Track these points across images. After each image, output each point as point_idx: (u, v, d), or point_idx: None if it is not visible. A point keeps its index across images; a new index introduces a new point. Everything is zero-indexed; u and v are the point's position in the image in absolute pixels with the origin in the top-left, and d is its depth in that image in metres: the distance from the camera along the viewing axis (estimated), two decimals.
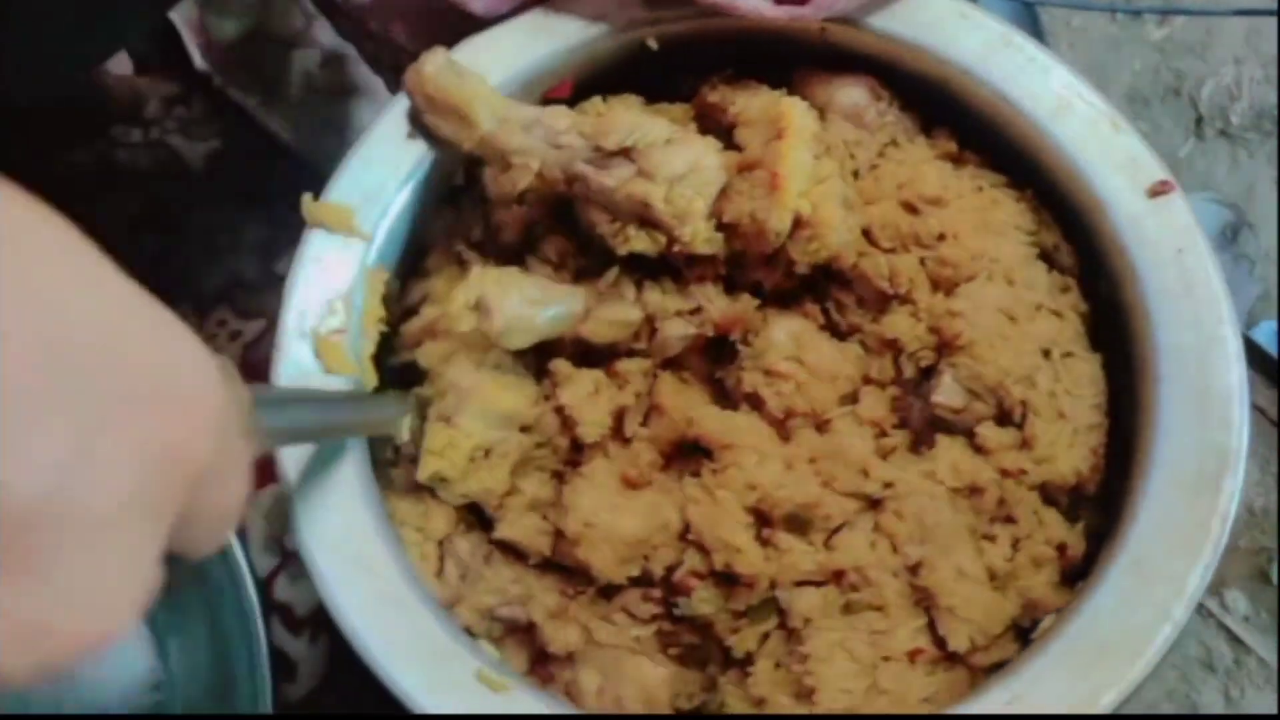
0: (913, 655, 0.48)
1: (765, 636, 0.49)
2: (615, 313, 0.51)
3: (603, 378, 0.52)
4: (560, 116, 0.51)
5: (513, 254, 0.55)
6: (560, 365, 0.52)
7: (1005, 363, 0.49)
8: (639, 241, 0.49)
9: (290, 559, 0.68)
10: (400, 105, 0.54)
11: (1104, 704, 0.43)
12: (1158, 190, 0.50)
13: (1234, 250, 0.75)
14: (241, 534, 0.63)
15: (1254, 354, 0.65)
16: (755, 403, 0.52)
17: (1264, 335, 0.72)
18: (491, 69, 0.54)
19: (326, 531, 0.48)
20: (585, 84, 0.56)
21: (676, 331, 0.51)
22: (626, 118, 0.50)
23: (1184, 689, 0.63)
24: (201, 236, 0.77)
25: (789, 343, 0.52)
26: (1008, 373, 0.49)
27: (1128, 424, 0.50)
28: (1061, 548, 0.49)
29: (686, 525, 0.50)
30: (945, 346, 0.50)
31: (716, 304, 0.51)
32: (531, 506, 0.52)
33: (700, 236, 0.49)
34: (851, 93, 0.55)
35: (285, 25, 0.80)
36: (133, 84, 0.79)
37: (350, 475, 0.49)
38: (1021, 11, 0.78)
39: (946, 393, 0.49)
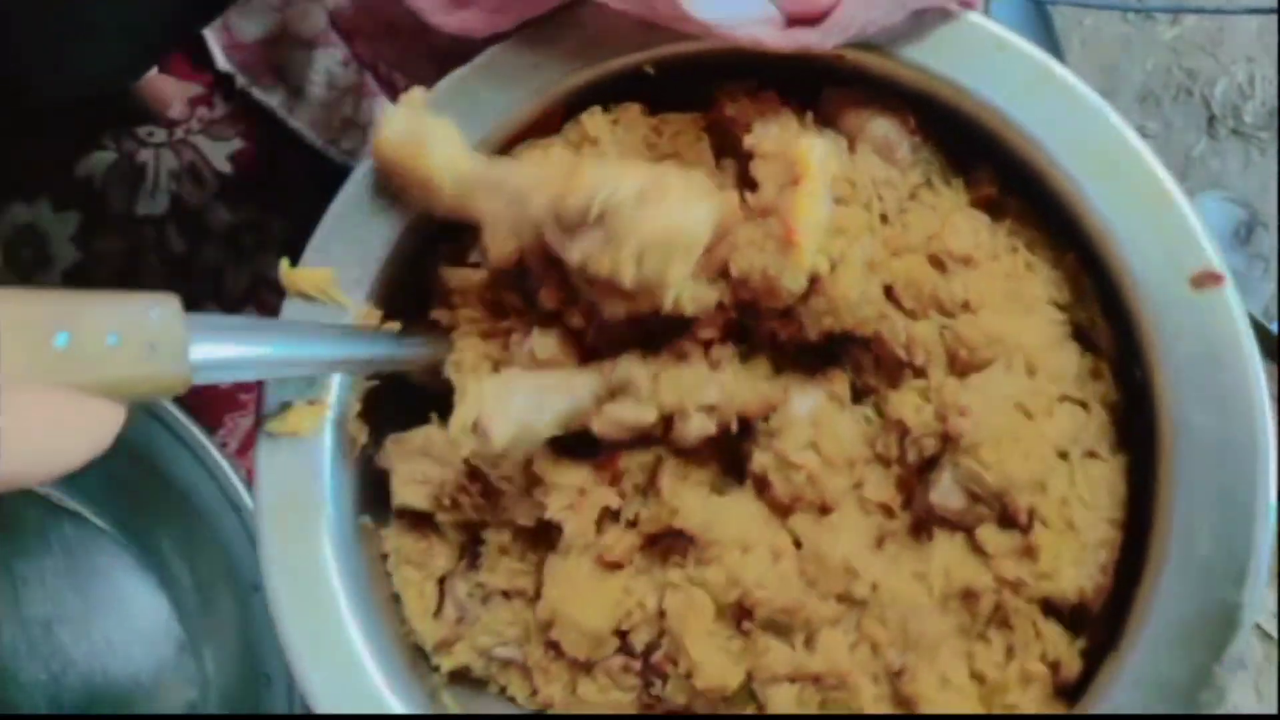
0: None
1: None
2: (627, 413, 0.47)
3: (590, 477, 0.49)
4: (527, 174, 0.46)
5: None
6: (544, 469, 0.48)
7: (1012, 468, 0.43)
8: (621, 307, 0.45)
9: None
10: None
11: None
12: (1203, 281, 0.43)
13: (1248, 250, 0.74)
14: None
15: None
16: (761, 485, 0.48)
17: None
18: (472, 108, 0.49)
19: (307, 629, 0.47)
20: (584, 100, 0.51)
21: (696, 430, 0.47)
22: (595, 174, 0.44)
23: None
24: (226, 236, 0.76)
25: (807, 425, 0.47)
26: (1013, 480, 0.43)
27: (1143, 532, 0.44)
28: (1055, 666, 0.45)
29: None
30: (949, 440, 0.45)
31: (740, 391, 0.47)
32: (502, 552, 0.51)
33: (685, 296, 0.45)
34: (884, 124, 0.48)
35: (307, 25, 0.79)
36: (158, 84, 0.77)
37: (326, 557, 0.48)
38: (1034, 12, 0.77)
39: (944, 494, 0.45)
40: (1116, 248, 0.43)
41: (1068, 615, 0.45)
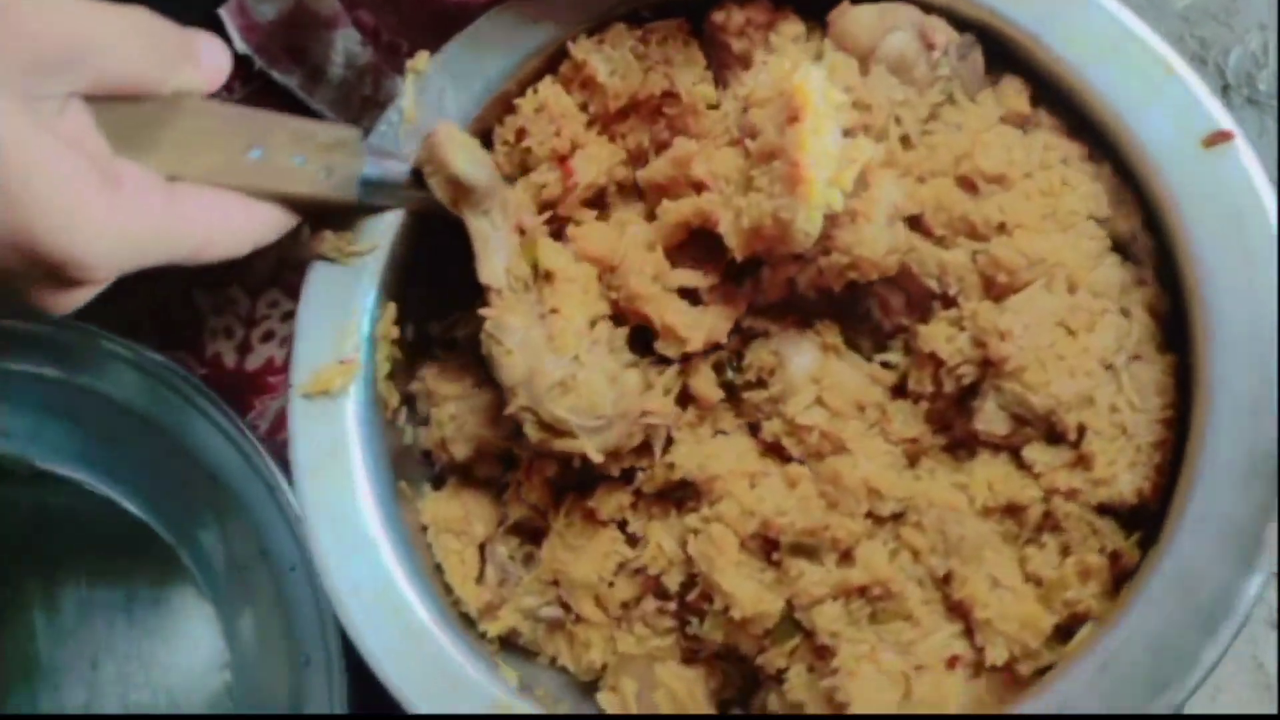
0: (950, 662, 0.44)
1: (794, 650, 0.46)
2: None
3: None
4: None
5: None
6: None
7: (1058, 388, 0.42)
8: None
9: None
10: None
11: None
12: (1214, 140, 0.42)
13: None
14: None
15: None
16: (774, 448, 0.47)
17: None
18: (475, 71, 0.50)
19: (352, 575, 0.48)
20: None
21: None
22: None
23: (1249, 649, 0.61)
24: None
25: (809, 383, 0.46)
26: (1060, 399, 0.42)
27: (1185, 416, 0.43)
28: (1115, 556, 0.43)
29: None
30: (990, 366, 0.43)
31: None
32: (522, 490, 0.51)
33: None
34: (898, 40, 0.46)
35: (324, 5, 0.78)
36: None
37: (370, 507, 0.49)
38: None
39: (988, 420, 0.43)
40: (1126, 124, 0.43)
41: (1124, 516, 0.44)
